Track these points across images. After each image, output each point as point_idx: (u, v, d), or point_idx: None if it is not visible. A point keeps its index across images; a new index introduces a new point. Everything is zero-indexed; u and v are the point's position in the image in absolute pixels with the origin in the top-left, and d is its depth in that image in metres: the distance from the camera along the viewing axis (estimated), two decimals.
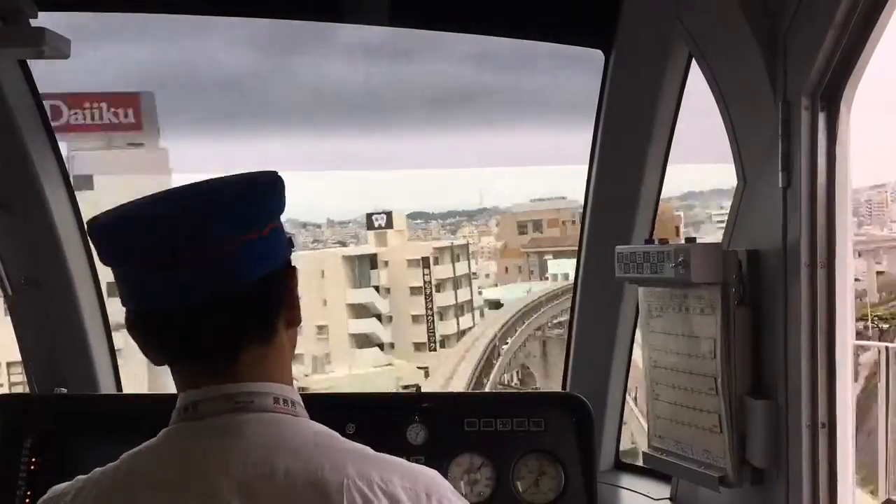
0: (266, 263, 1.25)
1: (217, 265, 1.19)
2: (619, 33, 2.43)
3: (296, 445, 1.21)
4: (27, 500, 2.32)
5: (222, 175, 1.31)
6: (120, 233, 1.24)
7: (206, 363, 1.25)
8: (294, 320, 1.33)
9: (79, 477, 1.28)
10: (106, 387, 2.92)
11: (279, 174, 1.31)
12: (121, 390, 3.06)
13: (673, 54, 2.31)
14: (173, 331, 1.25)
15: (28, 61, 2.60)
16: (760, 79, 1.83)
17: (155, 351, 1.28)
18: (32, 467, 2.36)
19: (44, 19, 2.06)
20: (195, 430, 1.23)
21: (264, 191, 1.28)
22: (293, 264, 1.34)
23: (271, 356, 1.28)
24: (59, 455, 2.34)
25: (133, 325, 1.27)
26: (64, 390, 2.74)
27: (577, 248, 2.84)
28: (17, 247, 2.77)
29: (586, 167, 2.64)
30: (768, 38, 1.81)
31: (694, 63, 2.24)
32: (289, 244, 1.33)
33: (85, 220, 2.83)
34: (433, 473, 1.27)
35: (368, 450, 1.25)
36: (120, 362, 2.98)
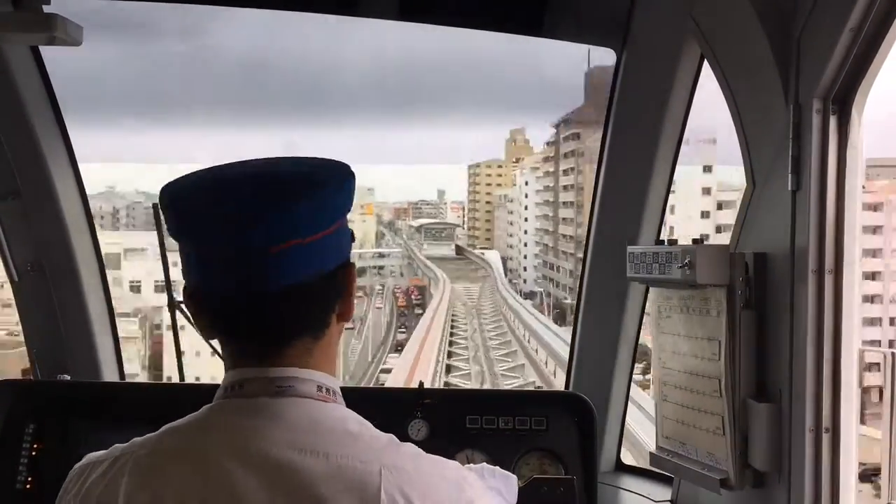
0: (331, 259, 1.28)
1: (285, 258, 1.21)
2: (633, 32, 2.42)
3: (334, 431, 1.23)
4: (28, 486, 2.33)
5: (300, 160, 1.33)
6: (192, 213, 1.25)
7: (255, 348, 1.27)
8: (346, 315, 1.34)
9: (116, 445, 1.30)
10: (109, 374, 2.93)
11: (351, 168, 1.32)
12: (123, 378, 3.07)
13: (685, 54, 2.30)
14: (230, 315, 1.27)
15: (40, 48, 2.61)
16: (772, 81, 1.82)
17: (205, 327, 1.30)
18: (34, 453, 2.36)
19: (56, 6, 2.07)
20: (238, 408, 1.25)
21: (340, 186, 1.28)
22: (352, 261, 1.35)
23: (319, 346, 1.30)
24: (61, 441, 2.35)
25: (191, 298, 1.29)
26: (67, 377, 2.75)
27: (583, 248, 2.83)
28: (25, 233, 2.78)
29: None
30: (781, 41, 1.80)
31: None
32: (351, 238, 1.34)
33: (93, 207, 2.87)
34: (457, 464, 1.30)
35: (397, 440, 1.27)
36: None
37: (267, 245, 1.19)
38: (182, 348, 2.68)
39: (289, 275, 1.22)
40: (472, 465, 1.92)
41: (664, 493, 2.54)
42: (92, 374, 2.88)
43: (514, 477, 1.83)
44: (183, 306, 1.41)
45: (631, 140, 2.55)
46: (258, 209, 1.20)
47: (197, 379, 3.03)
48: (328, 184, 1.27)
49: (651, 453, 2.24)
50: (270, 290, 1.22)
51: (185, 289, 1.30)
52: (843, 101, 1.77)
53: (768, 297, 1.91)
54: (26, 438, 2.37)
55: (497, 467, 1.86)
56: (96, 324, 2.89)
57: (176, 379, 2.68)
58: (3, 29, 2.09)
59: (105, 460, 1.27)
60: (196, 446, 1.24)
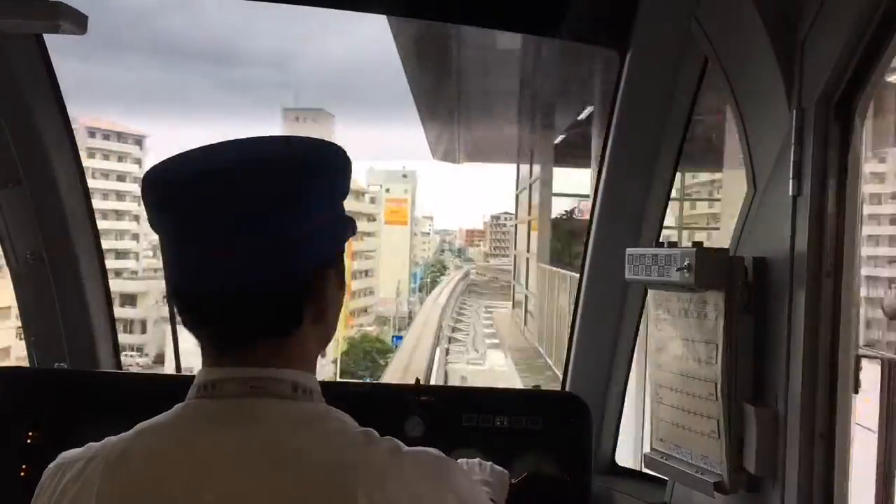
0: (303, 259, 1.23)
1: (254, 256, 1.18)
2: (636, 34, 2.42)
3: (313, 431, 1.21)
4: (23, 474, 2.33)
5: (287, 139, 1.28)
6: (165, 213, 1.22)
7: (231, 346, 1.25)
8: (324, 317, 1.30)
9: (90, 444, 1.27)
10: (106, 364, 2.93)
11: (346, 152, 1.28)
12: (121, 367, 3.07)
13: (688, 57, 2.30)
14: (202, 312, 1.25)
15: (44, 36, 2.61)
16: (775, 85, 1.82)
17: (186, 324, 1.28)
18: (30, 441, 2.36)
19: None
20: (211, 409, 1.23)
21: (339, 175, 1.25)
22: (342, 263, 1.32)
23: (294, 347, 1.27)
24: (57, 430, 2.35)
25: (174, 293, 1.27)
26: (65, 365, 2.75)
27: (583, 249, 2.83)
28: (25, 222, 2.78)
29: None
30: (785, 45, 1.80)
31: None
32: (341, 238, 1.30)
33: (93, 196, 2.87)
34: (450, 461, 1.27)
35: (382, 438, 1.24)
36: None
37: (235, 242, 1.17)
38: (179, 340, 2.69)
39: (269, 269, 1.19)
40: (464, 460, 1.92)
41: (658, 495, 2.54)
42: (89, 363, 2.88)
43: (506, 472, 1.83)
44: None
45: (633, 142, 2.55)
46: (241, 201, 1.17)
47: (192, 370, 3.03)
48: (322, 167, 1.23)
49: (645, 455, 2.24)
50: (239, 288, 1.19)
51: (167, 285, 1.28)
52: (845, 107, 1.77)
53: (767, 302, 1.91)
54: (22, 427, 2.38)
55: (490, 463, 1.86)
56: (94, 313, 2.89)
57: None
58: (6, 16, 2.10)
59: (79, 461, 1.25)
60: (168, 448, 1.21)
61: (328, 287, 1.29)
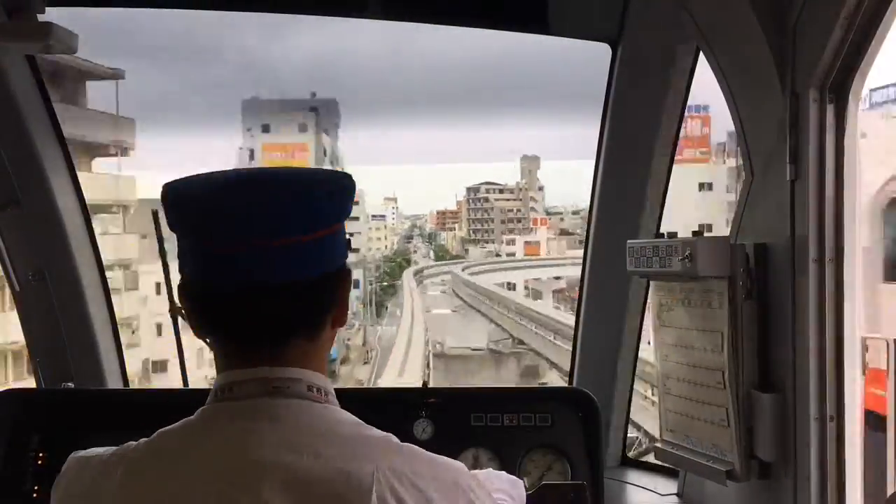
0: (327, 262, 1.28)
1: (281, 256, 1.21)
2: (627, 27, 2.42)
3: (328, 432, 1.22)
4: (34, 495, 2.33)
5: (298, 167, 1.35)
6: (189, 209, 1.26)
7: (251, 348, 1.26)
8: (340, 321, 1.34)
9: (108, 447, 1.29)
10: (113, 381, 2.93)
11: (352, 177, 1.33)
12: (127, 384, 3.07)
13: (680, 47, 2.30)
14: (225, 311, 1.26)
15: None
16: (768, 71, 1.82)
17: (201, 324, 1.29)
18: (39, 461, 2.36)
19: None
20: (231, 411, 1.25)
21: (339, 192, 1.29)
22: (349, 268, 1.35)
23: (312, 349, 1.30)
24: (66, 449, 2.34)
25: (187, 294, 1.29)
26: (71, 385, 2.75)
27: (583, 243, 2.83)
28: (25, 242, 2.77)
29: None
30: (777, 30, 1.80)
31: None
32: (347, 246, 1.34)
33: (92, 214, 2.87)
34: (459, 465, 1.29)
35: (396, 440, 1.26)
36: None
37: (269, 239, 1.20)
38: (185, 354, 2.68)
39: (289, 270, 1.22)
40: (478, 471, 1.92)
41: (670, 486, 2.54)
42: (96, 381, 2.88)
43: (521, 481, 1.83)
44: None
45: (628, 135, 2.55)
46: (261, 204, 1.21)
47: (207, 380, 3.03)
48: (328, 184, 1.28)
49: (655, 447, 2.24)
50: (271, 285, 1.22)
51: (180, 286, 1.29)
52: (839, 90, 1.77)
53: (769, 288, 1.91)
54: (32, 447, 2.37)
55: (504, 472, 1.85)
56: (99, 331, 2.89)
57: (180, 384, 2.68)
58: None
59: (97, 459, 1.27)
60: (189, 450, 1.23)
61: (349, 287, 1.34)
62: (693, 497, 2.38)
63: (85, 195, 2.88)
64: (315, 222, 1.24)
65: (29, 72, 2.62)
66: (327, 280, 1.28)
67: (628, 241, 2.17)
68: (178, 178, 1.30)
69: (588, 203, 2.74)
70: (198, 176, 1.30)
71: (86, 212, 2.88)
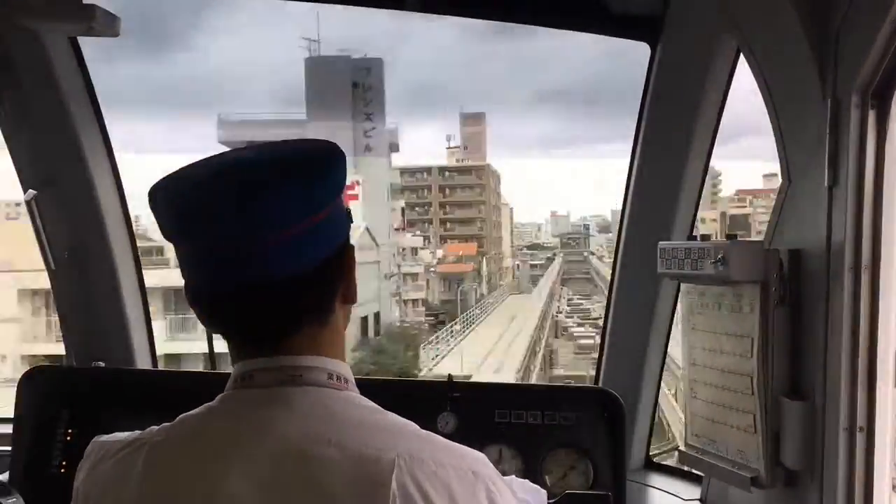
0: (326, 245, 1.25)
1: (279, 250, 1.19)
2: (667, 26, 2.40)
3: (348, 419, 1.22)
4: (62, 470, 2.36)
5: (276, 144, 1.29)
6: (177, 216, 1.23)
7: (263, 339, 1.26)
8: (350, 297, 1.33)
9: (134, 432, 1.30)
10: (142, 362, 2.97)
11: (337, 145, 1.29)
12: (156, 366, 3.10)
13: (720, 48, 2.27)
14: (229, 310, 1.26)
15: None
16: (810, 75, 1.80)
17: (209, 323, 1.29)
18: (69, 438, 2.40)
19: None
20: (249, 398, 1.25)
21: (329, 169, 1.25)
22: (350, 242, 1.33)
23: (326, 333, 1.29)
24: (95, 427, 2.37)
25: (191, 298, 1.28)
26: (102, 364, 2.79)
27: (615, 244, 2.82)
28: (61, 222, 2.82)
29: None
30: (819, 33, 1.77)
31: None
32: (348, 218, 1.32)
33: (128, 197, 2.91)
34: (480, 455, 1.27)
35: (417, 427, 1.25)
36: None
37: (261, 235, 1.18)
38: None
39: (288, 264, 1.20)
40: (503, 478, 1.91)
41: (693, 491, 2.52)
42: (126, 361, 2.92)
43: (544, 492, 1.82)
44: None
45: (664, 135, 2.53)
46: (243, 200, 1.17)
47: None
48: (315, 163, 1.24)
49: (680, 451, 2.22)
50: (270, 281, 1.20)
51: (185, 287, 1.28)
52: (881, 96, 1.73)
53: (803, 295, 1.88)
54: (61, 424, 2.42)
55: (527, 480, 1.84)
56: (130, 312, 2.93)
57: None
58: (41, 19, 2.13)
59: (120, 444, 1.28)
60: (210, 436, 1.24)
61: (352, 263, 1.32)
62: (716, 503, 2.36)
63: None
64: (309, 209, 1.21)
65: (72, 54, 2.66)
66: (330, 262, 1.26)
67: (660, 242, 2.15)
68: (158, 180, 1.26)
69: None
70: (175, 174, 1.26)
71: (122, 194, 2.92)
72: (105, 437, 1.33)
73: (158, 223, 1.25)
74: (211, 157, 1.28)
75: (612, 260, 2.90)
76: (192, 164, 1.27)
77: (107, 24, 2.10)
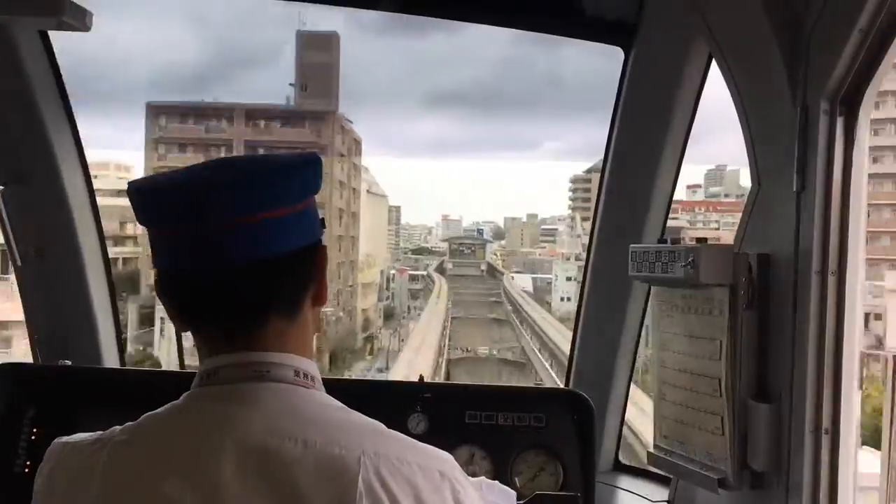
0: (297, 238, 1.27)
1: (246, 234, 1.21)
2: (641, 31, 2.42)
3: (313, 417, 1.22)
4: (26, 470, 2.33)
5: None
6: (153, 197, 1.27)
7: (230, 331, 1.26)
8: (320, 298, 1.34)
9: (97, 432, 1.29)
10: (110, 360, 2.93)
11: (318, 155, 1.34)
12: (124, 364, 3.07)
13: (693, 53, 2.30)
14: (200, 295, 1.26)
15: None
16: (780, 81, 1.82)
17: (180, 315, 1.30)
18: (33, 437, 2.36)
19: None
20: (215, 395, 1.25)
21: (299, 167, 1.30)
22: (324, 243, 1.35)
23: (294, 331, 1.29)
24: (61, 426, 2.34)
25: (162, 288, 1.29)
26: (68, 362, 2.75)
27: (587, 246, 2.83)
28: (29, 219, 2.78)
29: None
30: (791, 41, 1.80)
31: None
32: (321, 224, 1.34)
33: (98, 193, 2.88)
34: (445, 455, 1.28)
35: (383, 426, 1.25)
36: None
37: (231, 219, 1.20)
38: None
39: (255, 249, 1.22)
40: (469, 478, 1.91)
41: (661, 493, 2.54)
42: (93, 359, 2.88)
43: (514, 493, 1.82)
44: None
45: (637, 139, 2.55)
46: (222, 183, 1.22)
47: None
48: (291, 161, 1.30)
49: (649, 452, 2.24)
50: (237, 265, 1.22)
51: (155, 282, 1.30)
52: (850, 103, 1.76)
53: (771, 298, 1.90)
54: (26, 422, 2.37)
55: (496, 482, 1.85)
56: (98, 310, 2.89)
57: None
58: (11, 13, 2.10)
59: (81, 445, 1.27)
60: (172, 434, 1.23)
61: (324, 264, 1.34)
62: None
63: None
64: (280, 199, 1.24)
65: (42, 49, 2.62)
66: (297, 256, 1.27)
67: (631, 245, 2.16)
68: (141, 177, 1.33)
69: None
70: (160, 173, 1.32)
71: (91, 190, 2.89)
72: (66, 439, 1.32)
73: (135, 210, 1.28)
74: (202, 162, 1.33)
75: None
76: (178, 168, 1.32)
77: (77, 18, 2.07)
